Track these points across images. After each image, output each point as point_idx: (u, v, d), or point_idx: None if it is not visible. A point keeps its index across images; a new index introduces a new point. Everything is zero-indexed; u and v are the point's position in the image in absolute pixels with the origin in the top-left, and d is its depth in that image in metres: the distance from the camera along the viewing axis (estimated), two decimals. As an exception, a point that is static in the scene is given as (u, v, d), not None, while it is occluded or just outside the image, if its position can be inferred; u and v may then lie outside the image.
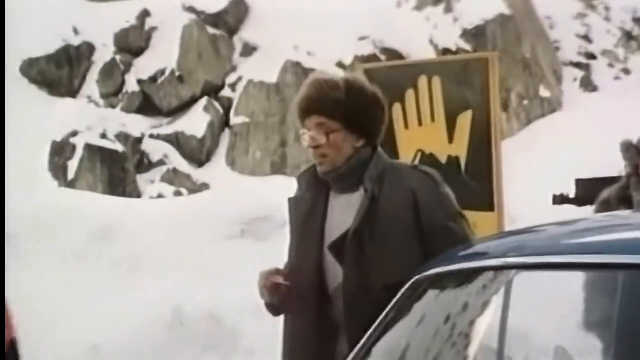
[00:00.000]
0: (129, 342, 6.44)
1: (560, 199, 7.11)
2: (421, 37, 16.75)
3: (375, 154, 3.96)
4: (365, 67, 7.64)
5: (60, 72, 15.04)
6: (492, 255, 3.04)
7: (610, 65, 17.34)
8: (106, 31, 15.30)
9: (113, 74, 15.42)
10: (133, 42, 15.65)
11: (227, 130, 15.95)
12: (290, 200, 4.09)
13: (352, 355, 3.32)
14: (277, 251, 4.27)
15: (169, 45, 15.50)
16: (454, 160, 5.73)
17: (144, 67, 15.49)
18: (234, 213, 8.06)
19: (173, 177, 15.91)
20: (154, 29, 15.74)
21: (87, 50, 15.26)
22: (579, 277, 2.79)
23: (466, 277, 3.09)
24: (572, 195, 11.43)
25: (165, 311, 6.89)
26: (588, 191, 12.08)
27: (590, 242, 2.83)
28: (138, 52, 15.65)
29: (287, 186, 4.23)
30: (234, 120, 15.94)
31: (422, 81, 5.79)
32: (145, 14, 15.73)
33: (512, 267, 2.88)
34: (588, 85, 17.17)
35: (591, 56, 17.30)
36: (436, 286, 3.24)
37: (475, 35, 16.79)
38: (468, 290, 3.07)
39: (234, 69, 16.25)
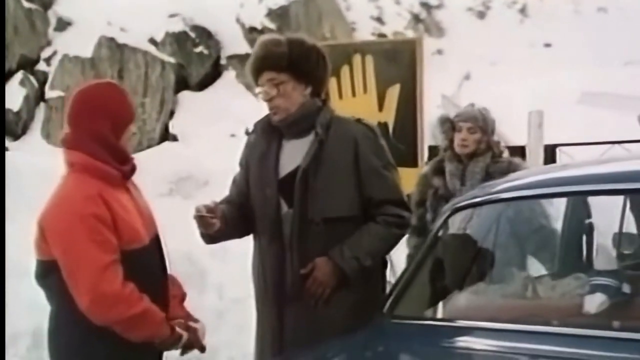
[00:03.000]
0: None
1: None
2: (228, 16, 17.44)
3: (325, 105, 4.48)
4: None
5: None
6: (519, 188, 3.84)
7: (400, 46, 18.71)
8: None
9: None
10: (-53, 14, 15.41)
11: (42, 104, 16.07)
12: (246, 144, 4.57)
13: (407, 269, 4.09)
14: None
15: (-16, 18, 15.40)
16: (383, 126, 6.69)
17: (-42, 40, 15.34)
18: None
19: (-10, 150, 15.89)
20: (-33, 1, 15.58)
21: None
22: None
23: (499, 206, 3.84)
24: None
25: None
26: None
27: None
28: (-48, 24, 15.45)
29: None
30: (49, 94, 16.03)
31: (356, 59, 6.72)
32: (-43, -15, 15.55)
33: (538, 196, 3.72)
34: (380, 63, 18.43)
35: (384, 37, 18.59)
36: (473, 212, 3.98)
37: (280, 14, 17.67)
38: (502, 215, 3.89)
39: (49, 43, 16.35)
